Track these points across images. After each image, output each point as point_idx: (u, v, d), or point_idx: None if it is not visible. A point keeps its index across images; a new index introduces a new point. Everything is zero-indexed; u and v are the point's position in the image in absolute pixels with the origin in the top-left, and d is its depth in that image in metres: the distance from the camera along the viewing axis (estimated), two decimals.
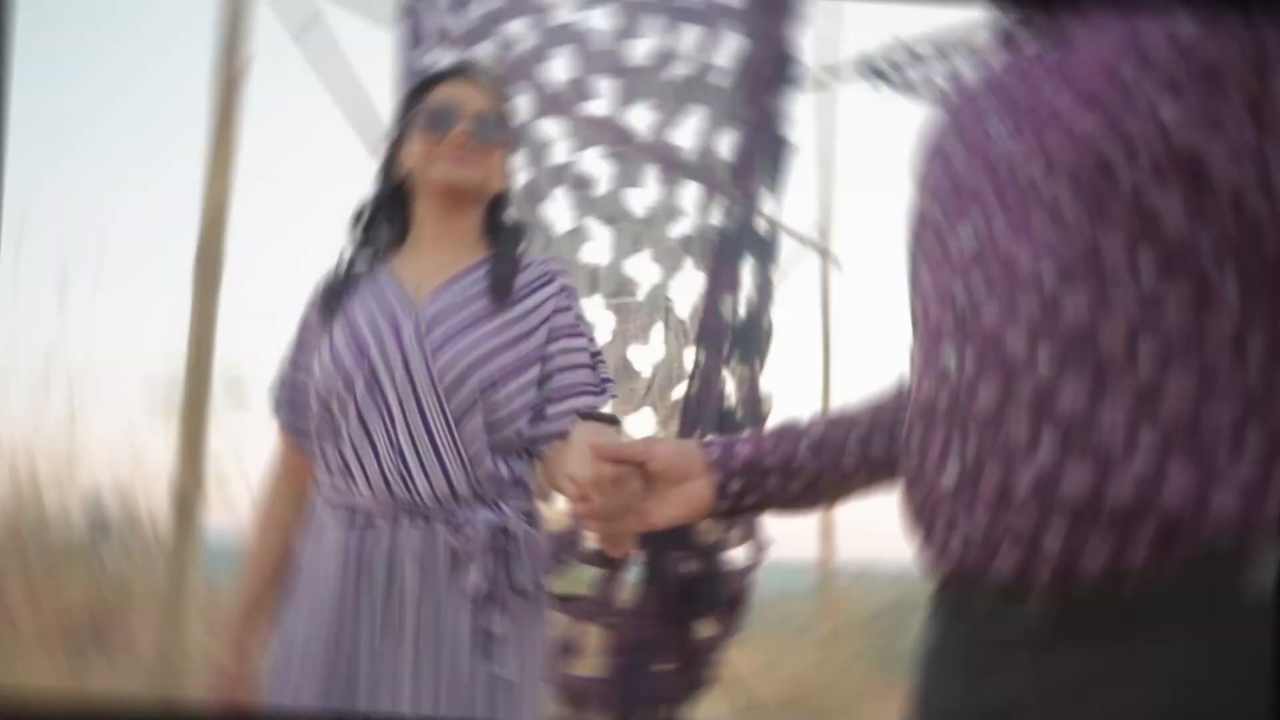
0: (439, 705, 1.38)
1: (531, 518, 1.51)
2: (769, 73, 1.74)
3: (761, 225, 1.76)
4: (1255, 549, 0.77)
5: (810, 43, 5.12)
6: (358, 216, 1.65)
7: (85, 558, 6.17)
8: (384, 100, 2.31)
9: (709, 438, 1.41)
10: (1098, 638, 0.82)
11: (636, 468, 1.12)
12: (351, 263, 1.61)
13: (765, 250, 1.77)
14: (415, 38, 2.28)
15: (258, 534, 1.61)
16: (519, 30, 2.24)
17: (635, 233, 2.05)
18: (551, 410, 1.51)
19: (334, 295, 1.57)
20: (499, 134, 1.57)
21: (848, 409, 1.26)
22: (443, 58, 2.26)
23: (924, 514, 0.97)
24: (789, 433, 1.20)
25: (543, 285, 1.58)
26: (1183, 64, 0.80)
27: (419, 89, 1.63)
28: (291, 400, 1.61)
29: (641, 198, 2.07)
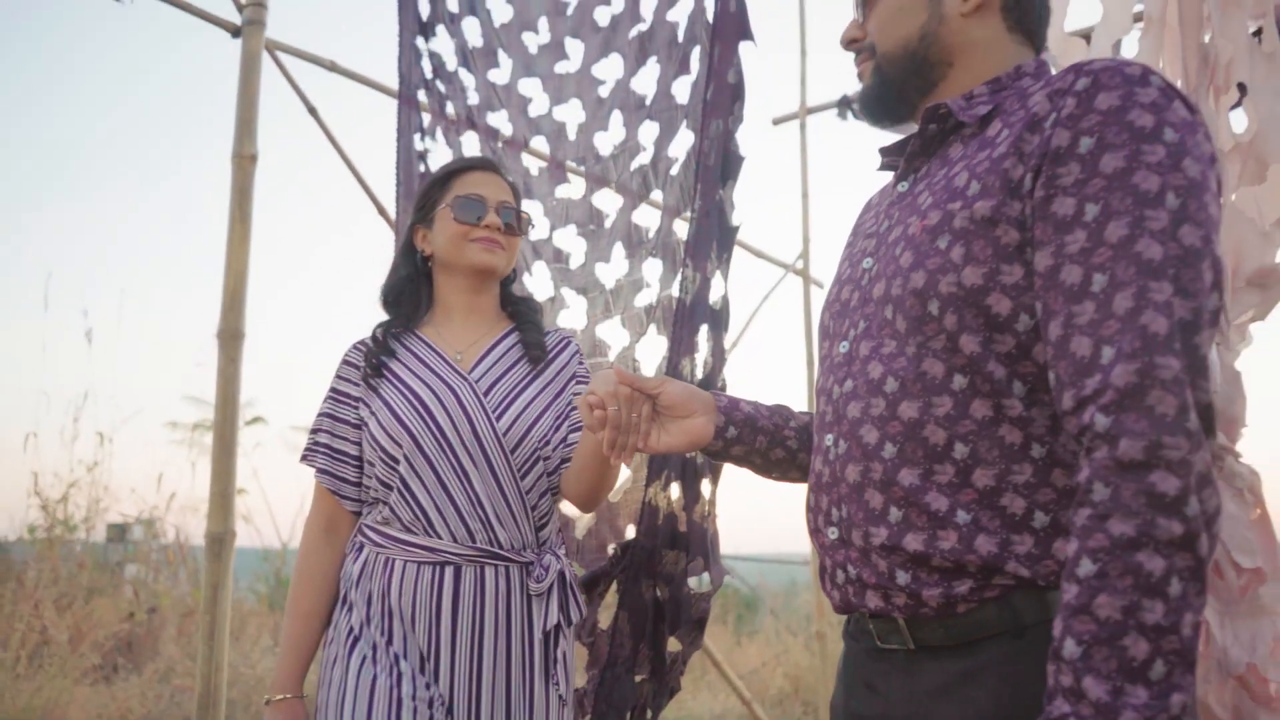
0: None
1: (567, 558, 1.75)
2: (715, 166, 1.99)
3: (714, 298, 2.01)
4: (1044, 592, 1.04)
5: (794, 82, 5.37)
6: (389, 292, 1.81)
7: (116, 582, 6.41)
8: (388, 168, 2.56)
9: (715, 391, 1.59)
10: (945, 656, 1.10)
11: (649, 398, 1.37)
12: (388, 333, 1.77)
13: (717, 319, 2.00)
14: (413, 123, 2.53)
15: (305, 586, 1.71)
16: (502, 120, 2.50)
17: (606, 301, 2.26)
18: (572, 438, 1.73)
19: (377, 363, 1.73)
20: (517, 221, 1.78)
21: None
22: (438, 142, 2.53)
23: (820, 560, 1.25)
24: (782, 410, 1.48)
25: (564, 349, 1.83)
26: (969, 220, 1.07)
27: (443, 179, 1.80)
28: (331, 456, 1.74)
29: (611, 271, 2.29)
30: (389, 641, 1.61)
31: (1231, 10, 1.44)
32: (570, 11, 2.45)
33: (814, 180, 5.45)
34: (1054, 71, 1.79)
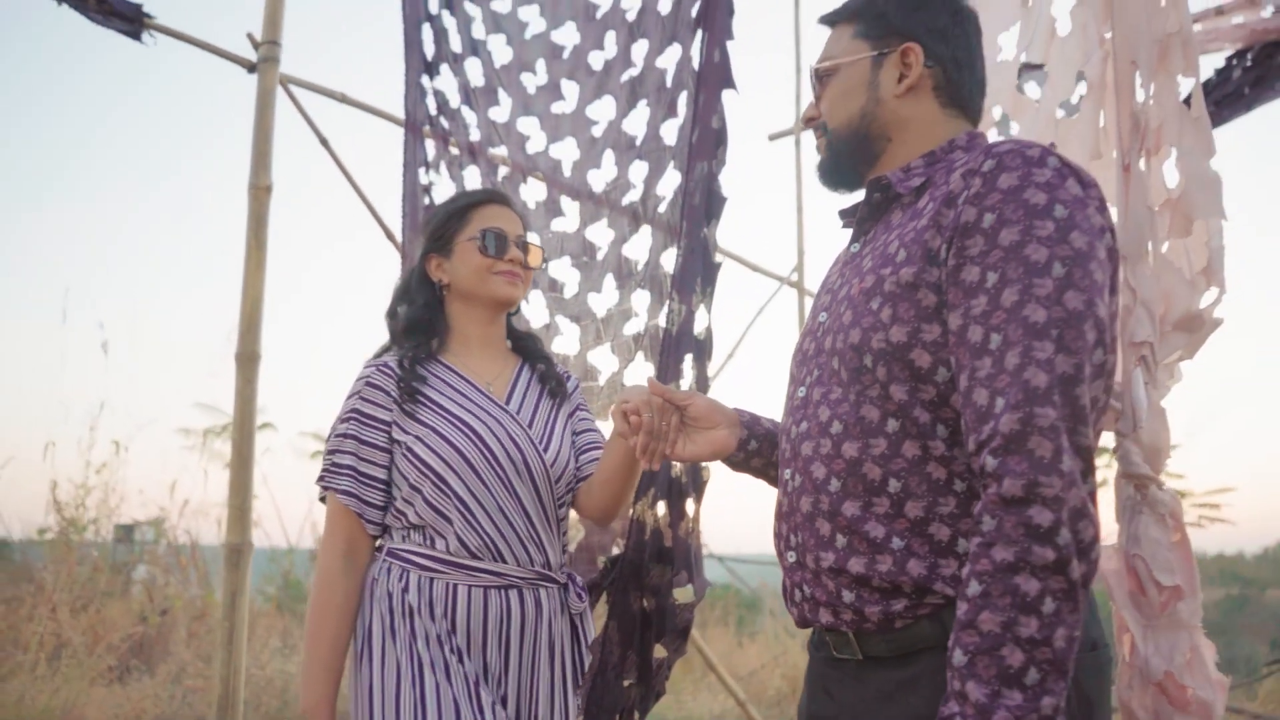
0: None
1: None
2: (700, 206, 2.13)
3: (698, 329, 2.14)
4: None
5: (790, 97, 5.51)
6: (409, 320, 1.84)
7: (125, 584, 6.56)
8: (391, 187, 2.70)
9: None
10: (888, 666, 1.25)
11: (678, 409, 1.51)
12: (415, 361, 1.79)
13: (701, 349, 2.13)
14: (418, 157, 2.69)
15: (331, 613, 1.70)
16: (501, 154, 2.65)
17: (597, 329, 2.40)
18: (583, 458, 1.87)
19: (412, 388, 1.74)
20: (531, 256, 1.88)
21: None
22: (441, 176, 2.68)
23: (782, 580, 1.40)
24: None
25: (568, 380, 1.97)
26: (896, 285, 1.21)
27: (461, 211, 1.86)
28: (359, 478, 1.73)
29: (602, 300, 2.42)
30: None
31: (1162, 78, 1.59)
32: (566, 55, 2.60)
33: (809, 194, 5.61)
34: (1014, 130, 1.94)
